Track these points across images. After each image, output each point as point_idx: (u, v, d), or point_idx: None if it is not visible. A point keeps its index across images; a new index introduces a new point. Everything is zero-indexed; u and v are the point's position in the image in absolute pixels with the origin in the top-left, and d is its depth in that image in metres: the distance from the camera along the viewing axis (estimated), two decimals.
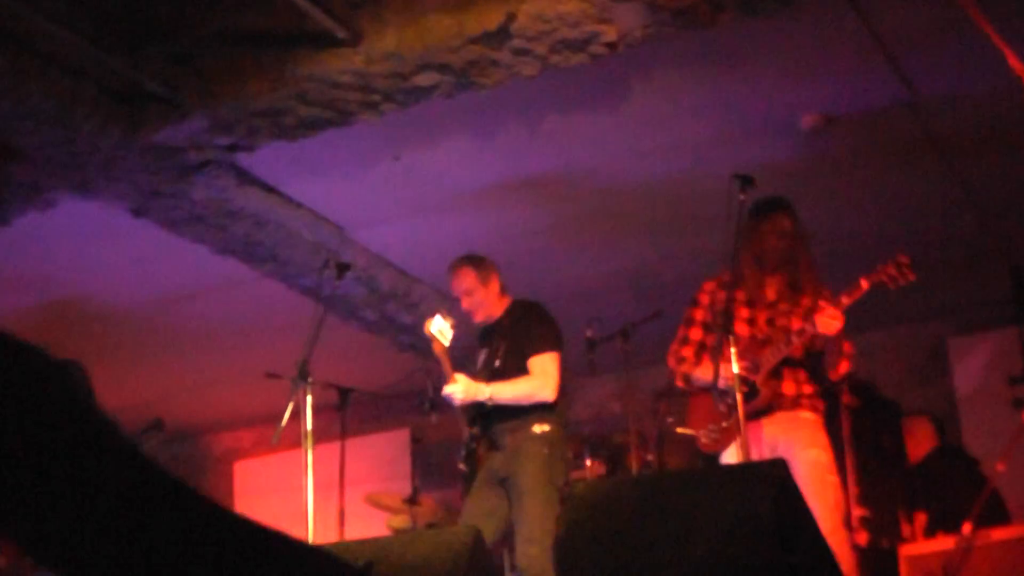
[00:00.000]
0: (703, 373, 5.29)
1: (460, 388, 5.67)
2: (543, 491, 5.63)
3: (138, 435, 6.40)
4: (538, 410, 5.75)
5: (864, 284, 5.05)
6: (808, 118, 6.33)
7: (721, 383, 5.07)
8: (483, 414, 5.82)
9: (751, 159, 6.26)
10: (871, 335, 8.61)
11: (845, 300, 5.05)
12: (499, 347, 5.83)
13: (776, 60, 5.81)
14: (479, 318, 5.99)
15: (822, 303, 5.12)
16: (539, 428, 5.73)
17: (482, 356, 6.00)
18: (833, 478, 5.16)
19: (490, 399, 5.68)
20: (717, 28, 5.19)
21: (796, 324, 5.20)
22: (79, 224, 6.87)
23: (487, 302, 5.97)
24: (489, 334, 6.02)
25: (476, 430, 5.80)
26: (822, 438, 5.24)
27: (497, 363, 5.87)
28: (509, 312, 5.95)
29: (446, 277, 6.10)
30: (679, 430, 6.37)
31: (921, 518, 7.56)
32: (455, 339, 5.86)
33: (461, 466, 5.90)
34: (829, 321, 5.03)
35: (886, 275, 5.02)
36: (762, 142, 6.51)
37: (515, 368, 5.76)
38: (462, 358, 6.09)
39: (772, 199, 5.38)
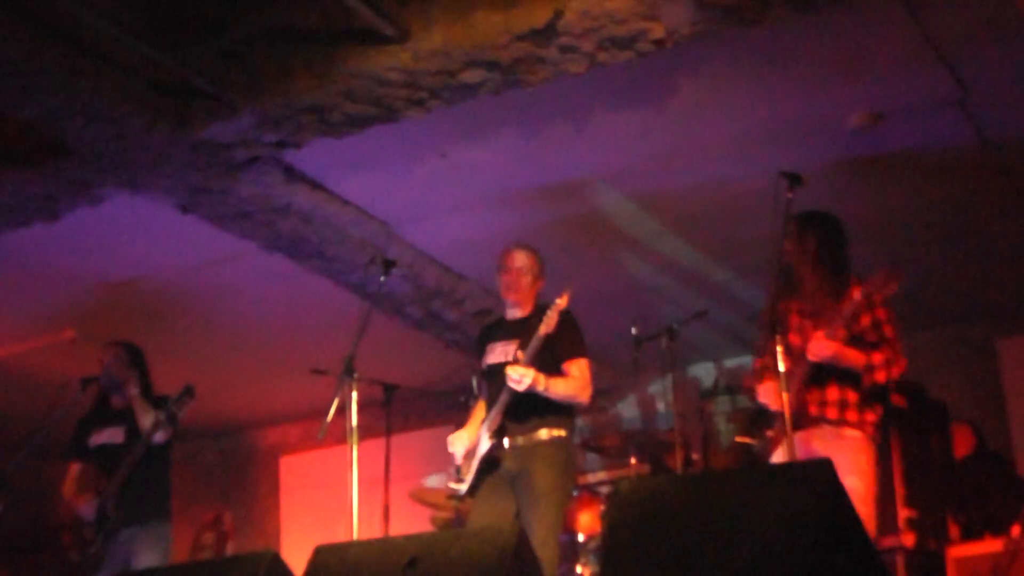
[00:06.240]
0: (764, 394, 5.30)
1: (531, 375, 5.62)
2: (559, 496, 5.66)
3: (172, 402, 6.45)
4: (555, 414, 5.74)
5: (856, 294, 5.01)
6: (856, 116, 6.29)
7: (760, 397, 5.10)
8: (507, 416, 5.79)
9: (798, 158, 6.22)
10: (920, 335, 8.54)
11: (845, 311, 5.02)
12: (527, 344, 5.74)
13: (824, 58, 5.77)
14: (512, 297, 5.94)
15: (817, 331, 5.07)
16: (556, 432, 5.73)
17: (499, 348, 5.94)
18: (866, 509, 4.98)
19: (545, 391, 5.63)
20: (765, 25, 5.16)
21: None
22: (127, 216, 6.93)
23: (528, 292, 5.94)
24: (509, 329, 5.97)
25: (495, 440, 5.75)
26: (863, 462, 5.13)
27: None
28: (539, 314, 5.87)
29: (505, 253, 5.99)
30: (737, 439, 6.34)
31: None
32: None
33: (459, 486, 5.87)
34: (817, 350, 5.04)
35: (873, 284, 4.95)
36: (810, 140, 6.46)
37: (543, 367, 5.71)
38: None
39: (787, 219, 5.17)
